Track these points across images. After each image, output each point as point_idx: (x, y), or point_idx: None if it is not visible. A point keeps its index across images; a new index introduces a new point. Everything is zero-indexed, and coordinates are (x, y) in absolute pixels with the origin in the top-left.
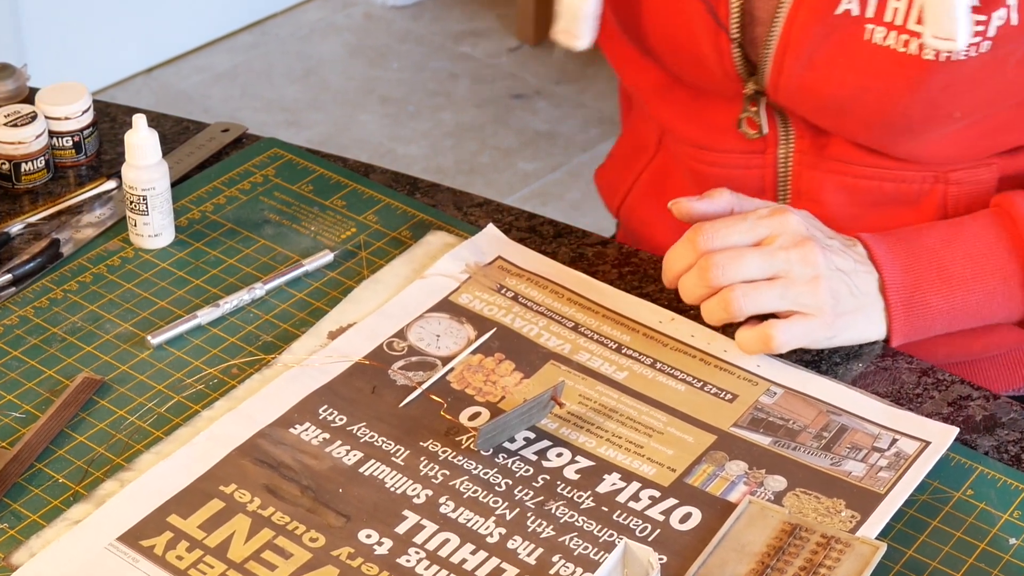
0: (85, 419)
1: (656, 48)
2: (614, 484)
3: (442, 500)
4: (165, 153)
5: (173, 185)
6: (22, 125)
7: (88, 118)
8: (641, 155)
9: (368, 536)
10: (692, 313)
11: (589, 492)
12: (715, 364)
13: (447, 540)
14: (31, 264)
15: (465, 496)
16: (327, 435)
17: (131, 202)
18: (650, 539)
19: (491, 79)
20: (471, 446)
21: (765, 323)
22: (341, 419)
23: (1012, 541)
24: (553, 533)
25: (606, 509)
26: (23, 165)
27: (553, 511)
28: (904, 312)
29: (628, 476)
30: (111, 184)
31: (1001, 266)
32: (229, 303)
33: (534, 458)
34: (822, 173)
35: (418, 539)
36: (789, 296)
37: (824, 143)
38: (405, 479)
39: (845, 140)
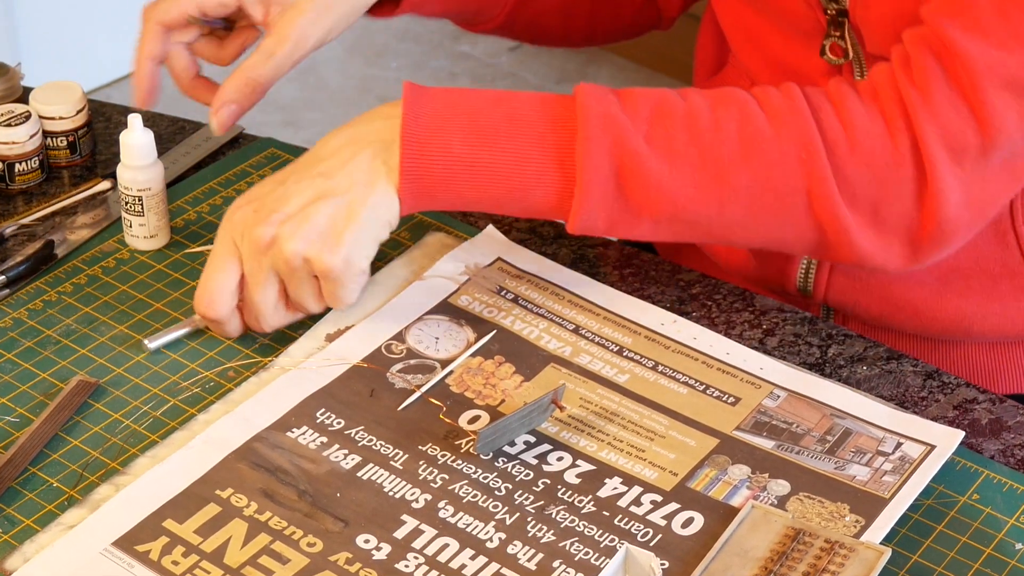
0: (80, 422)
1: None
2: (615, 488)
3: (441, 504)
4: (160, 153)
5: (169, 186)
6: (16, 125)
7: (83, 118)
8: None
9: (366, 541)
10: (695, 315)
11: (590, 496)
12: (718, 367)
13: (446, 545)
14: (25, 266)
15: (464, 500)
16: (325, 439)
17: (126, 203)
18: (652, 544)
19: (491, 78)
20: (471, 450)
21: None
22: (339, 423)
23: (1018, 546)
24: (554, 538)
25: (607, 514)
26: (17, 165)
27: (554, 516)
28: (417, 151)
29: (630, 480)
30: (106, 185)
31: (541, 134)
32: None
33: (534, 462)
34: None
35: (417, 544)
36: (295, 285)
37: None
38: (404, 483)
39: None
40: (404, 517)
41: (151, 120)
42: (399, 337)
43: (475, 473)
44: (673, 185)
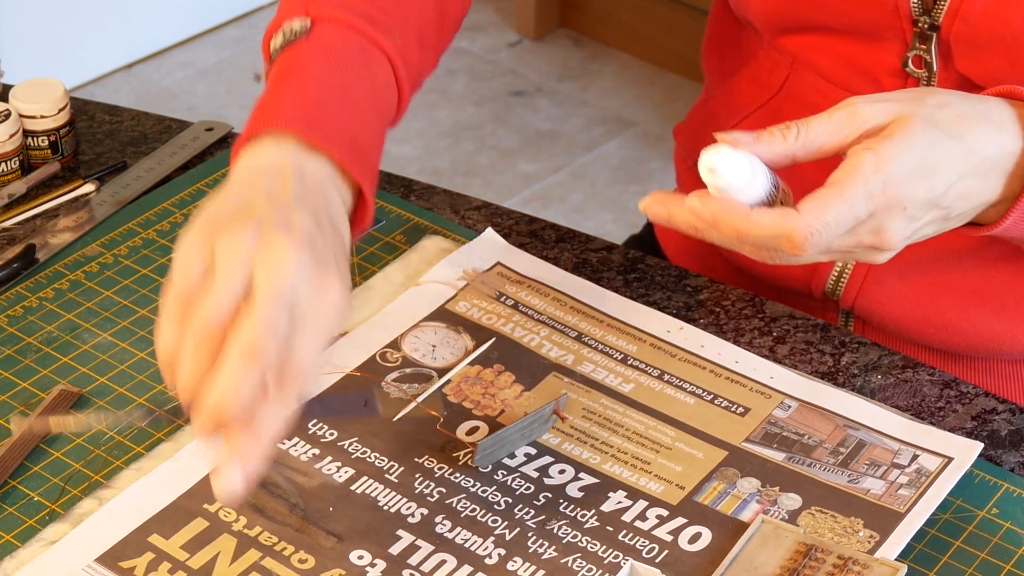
0: (62, 433)
1: None
2: (619, 502)
3: (438, 519)
4: (146, 153)
5: (155, 187)
6: None
7: (65, 116)
8: (755, 98)
9: (360, 557)
10: (702, 322)
11: (593, 511)
12: (726, 376)
13: (443, 561)
14: (5, 271)
15: (462, 515)
16: (317, 451)
17: None
18: (657, 560)
19: (490, 75)
20: (469, 462)
21: None
22: (331, 434)
23: None
24: (555, 554)
25: (611, 529)
26: None
27: (555, 531)
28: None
29: (634, 494)
30: (89, 187)
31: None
32: None
33: (535, 475)
34: None
35: (413, 560)
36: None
37: (972, 91)
38: (399, 497)
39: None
40: (400, 532)
41: (136, 119)
42: (394, 345)
43: (473, 486)
44: None
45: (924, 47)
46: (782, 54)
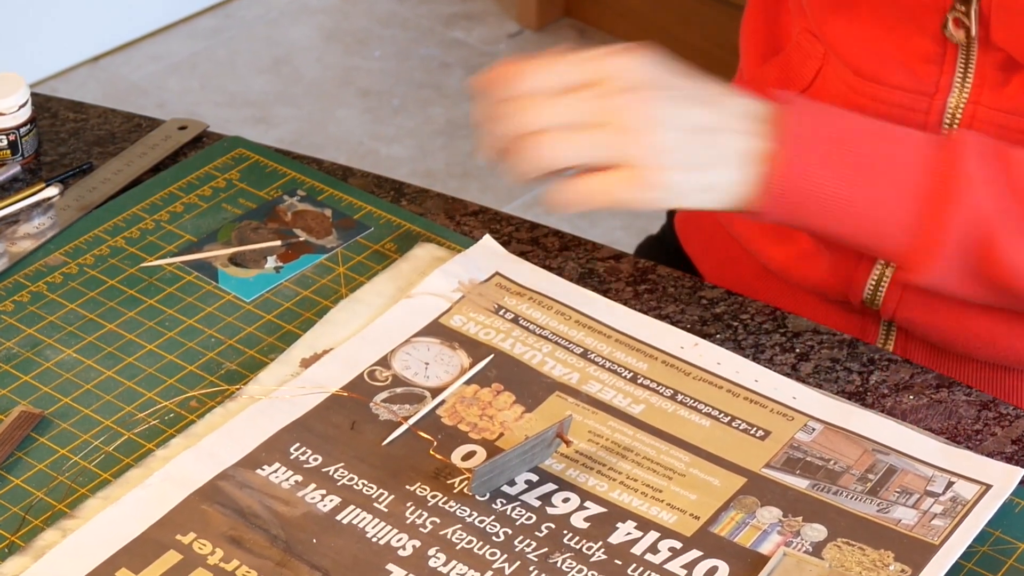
0: (22, 459)
1: None
2: (629, 534)
3: (432, 552)
4: (114, 154)
5: (123, 190)
6: None
7: (25, 114)
8: (787, 89)
9: None
10: (719, 338)
11: (600, 543)
12: (745, 396)
13: None
14: None
15: (458, 547)
16: (300, 477)
17: None
18: None
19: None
20: (465, 490)
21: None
22: (316, 459)
23: None
24: None
25: (620, 562)
26: None
27: (559, 564)
28: (786, 169)
29: (645, 524)
30: (52, 191)
31: (917, 184)
32: None
33: (537, 504)
34: (995, 128)
35: None
36: (603, 144)
37: (1004, 90)
38: (389, 528)
39: None
40: (390, 567)
41: (103, 116)
42: (384, 362)
43: (470, 516)
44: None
45: (963, 9)
46: (814, 45)
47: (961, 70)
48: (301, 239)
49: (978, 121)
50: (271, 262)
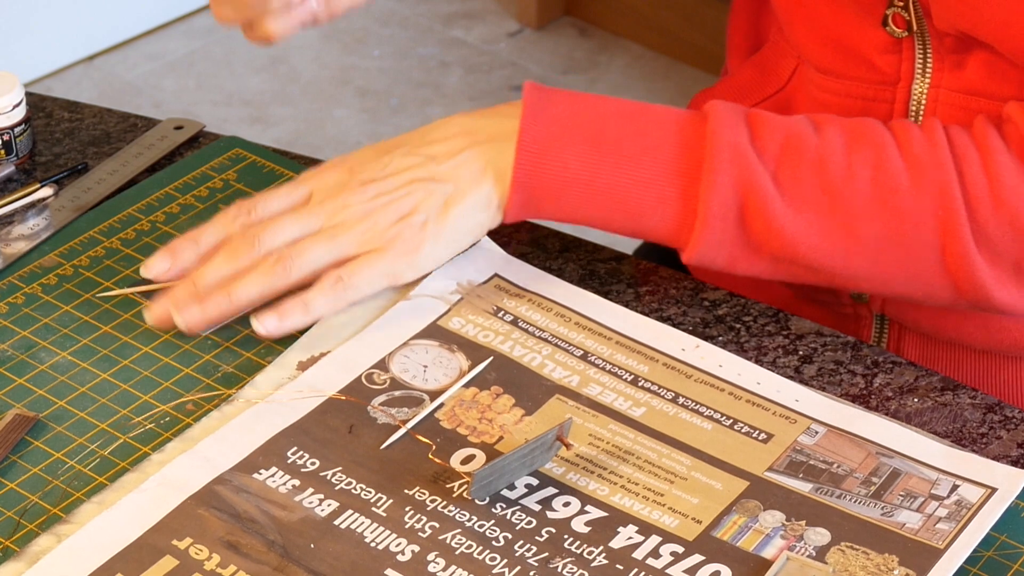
0: (16, 463)
1: None
2: (630, 538)
3: (431, 557)
4: (109, 154)
5: (119, 191)
6: None
7: (20, 113)
8: (764, 89)
9: None
10: (721, 340)
11: (601, 547)
12: (747, 399)
13: None
14: None
15: (457, 552)
16: (297, 482)
17: None
18: None
19: (487, 68)
20: (464, 494)
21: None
22: (313, 463)
23: None
24: None
25: (621, 567)
26: None
27: (560, 569)
28: (533, 160)
29: (646, 529)
30: (47, 191)
31: (668, 159)
32: None
33: (537, 508)
34: (958, 111)
35: None
36: (342, 240)
37: (962, 72)
38: (387, 532)
39: (985, 66)
40: (388, 572)
41: (98, 116)
42: (382, 365)
43: (469, 521)
44: (797, 231)
45: (901, 4)
46: (789, 44)
47: (920, 57)
48: None
49: (942, 105)
50: None
